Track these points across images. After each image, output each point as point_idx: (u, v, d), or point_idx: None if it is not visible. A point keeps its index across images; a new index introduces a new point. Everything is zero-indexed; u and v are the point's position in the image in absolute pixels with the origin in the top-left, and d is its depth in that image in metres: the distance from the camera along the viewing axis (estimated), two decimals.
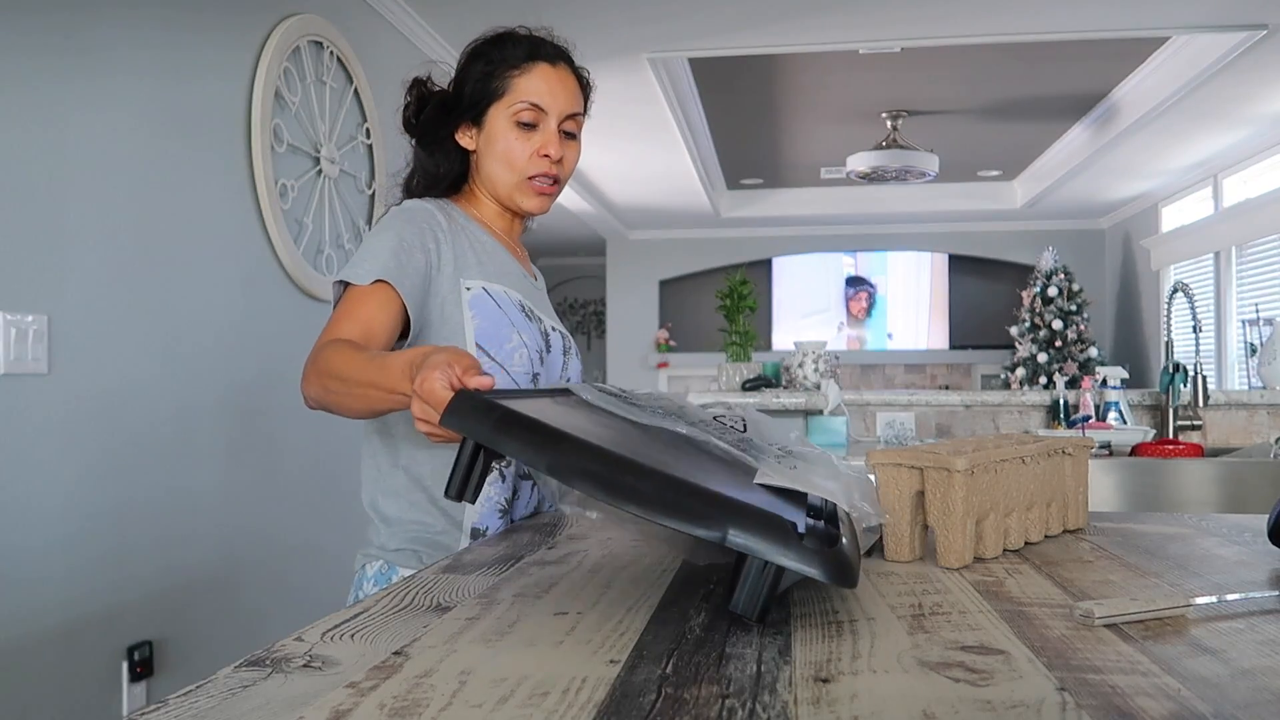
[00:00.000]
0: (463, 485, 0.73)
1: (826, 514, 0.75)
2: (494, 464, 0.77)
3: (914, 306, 8.79)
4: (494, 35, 1.35)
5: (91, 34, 2.07)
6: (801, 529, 0.66)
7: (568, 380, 1.38)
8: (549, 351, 1.34)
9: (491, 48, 1.33)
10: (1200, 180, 6.44)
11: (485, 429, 0.70)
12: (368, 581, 1.27)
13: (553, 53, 1.34)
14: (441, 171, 1.37)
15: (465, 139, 1.35)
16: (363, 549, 1.31)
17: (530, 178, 1.32)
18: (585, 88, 1.38)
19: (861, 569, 0.89)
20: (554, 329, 1.39)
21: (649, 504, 0.66)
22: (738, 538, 0.65)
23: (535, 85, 1.31)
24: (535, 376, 1.30)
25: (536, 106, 1.31)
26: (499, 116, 1.31)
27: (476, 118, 1.33)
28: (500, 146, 1.32)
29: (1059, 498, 1.07)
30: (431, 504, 1.26)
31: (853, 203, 7.84)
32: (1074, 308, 7.21)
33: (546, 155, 1.31)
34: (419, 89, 1.37)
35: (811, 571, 0.65)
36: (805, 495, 0.78)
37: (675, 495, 0.66)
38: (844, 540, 0.70)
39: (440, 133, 1.36)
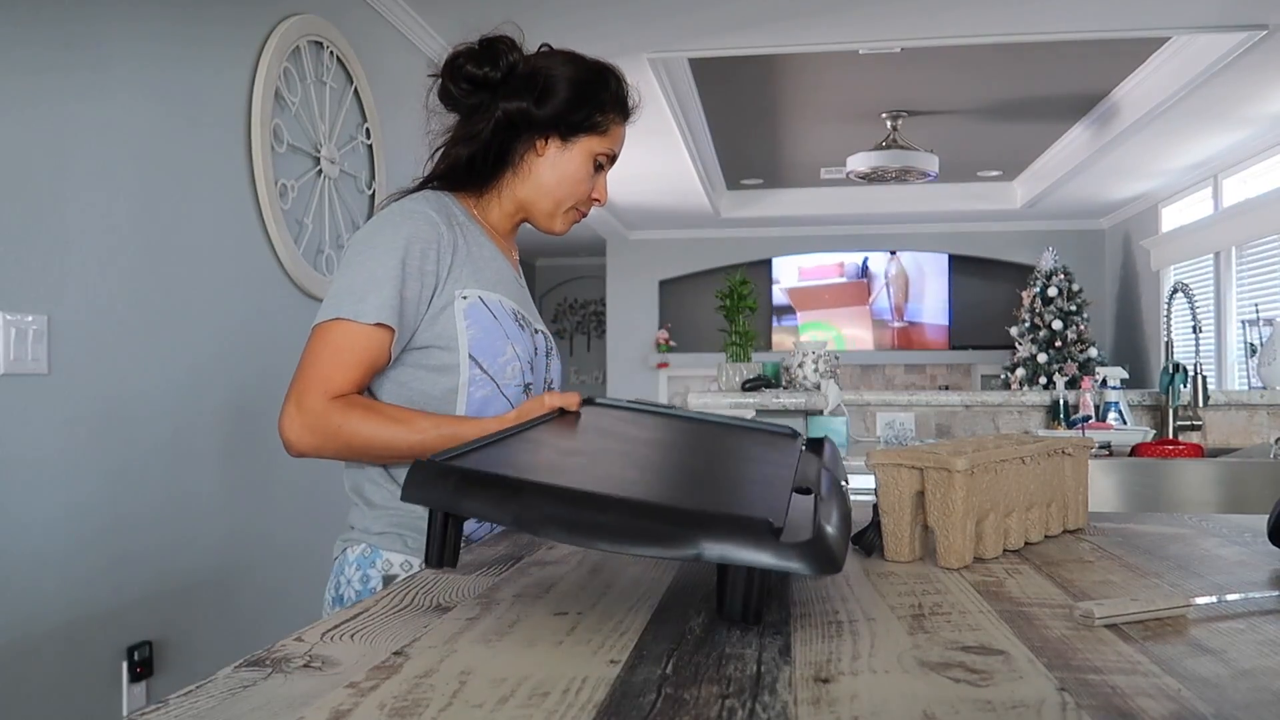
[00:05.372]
0: (440, 553, 0.74)
1: (813, 485, 0.74)
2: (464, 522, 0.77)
3: (914, 306, 8.78)
4: (612, 68, 1.34)
5: (92, 34, 2.07)
6: (779, 523, 0.65)
7: (550, 383, 1.38)
8: (537, 355, 1.34)
9: (615, 80, 1.34)
10: (1200, 180, 6.44)
11: (445, 496, 0.71)
12: (349, 565, 1.24)
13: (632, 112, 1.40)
14: (492, 160, 1.31)
15: (540, 145, 1.31)
16: (343, 534, 1.28)
17: (574, 208, 1.37)
18: None
19: (862, 569, 0.89)
20: (539, 331, 1.38)
21: (616, 536, 0.65)
22: (713, 550, 0.63)
23: (620, 137, 1.36)
24: (528, 387, 1.30)
25: (614, 158, 1.36)
26: (585, 149, 1.32)
27: (566, 135, 1.31)
28: (571, 175, 1.32)
29: (1059, 498, 1.07)
30: None
31: (852, 203, 7.84)
32: (1074, 308, 7.21)
33: (597, 200, 1.38)
34: (510, 52, 1.28)
35: (792, 567, 0.63)
36: (795, 471, 0.79)
37: (641, 521, 0.65)
38: (825, 525, 0.69)
39: (518, 125, 1.29)
